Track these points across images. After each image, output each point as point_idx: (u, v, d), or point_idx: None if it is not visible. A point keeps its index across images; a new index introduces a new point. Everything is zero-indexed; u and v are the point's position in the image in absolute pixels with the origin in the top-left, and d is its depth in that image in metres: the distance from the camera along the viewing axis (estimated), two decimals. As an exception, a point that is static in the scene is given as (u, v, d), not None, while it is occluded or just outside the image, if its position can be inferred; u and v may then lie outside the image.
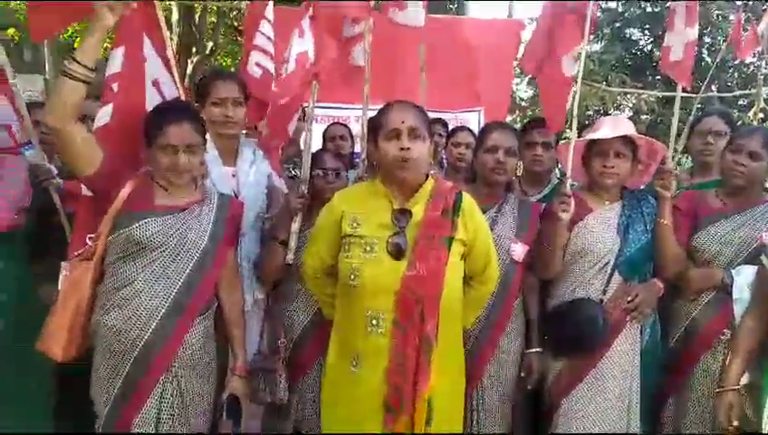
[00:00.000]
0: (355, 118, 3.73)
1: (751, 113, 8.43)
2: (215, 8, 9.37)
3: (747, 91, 9.63)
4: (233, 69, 8.78)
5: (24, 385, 2.08)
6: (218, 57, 10.77)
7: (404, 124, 1.77)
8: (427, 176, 1.89)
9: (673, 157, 2.50)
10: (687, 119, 3.01)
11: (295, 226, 2.19)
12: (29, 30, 2.02)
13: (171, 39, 2.26)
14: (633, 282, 2.20)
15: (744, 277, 2.15)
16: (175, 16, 8.86)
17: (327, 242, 1.90)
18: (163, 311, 1.84)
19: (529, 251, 2.22)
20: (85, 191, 1.92)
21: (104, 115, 1.95)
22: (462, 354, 1.95)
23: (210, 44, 9.72)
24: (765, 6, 10.54)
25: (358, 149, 3.00)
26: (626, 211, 2.22)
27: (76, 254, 1.84)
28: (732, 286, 2.16)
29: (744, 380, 2.01)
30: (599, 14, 14.10)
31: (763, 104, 8.33)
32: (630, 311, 2.16)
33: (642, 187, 2.45)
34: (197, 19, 9.41)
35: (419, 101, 2.50)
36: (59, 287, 1.86)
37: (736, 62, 12.48)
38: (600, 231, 2.19)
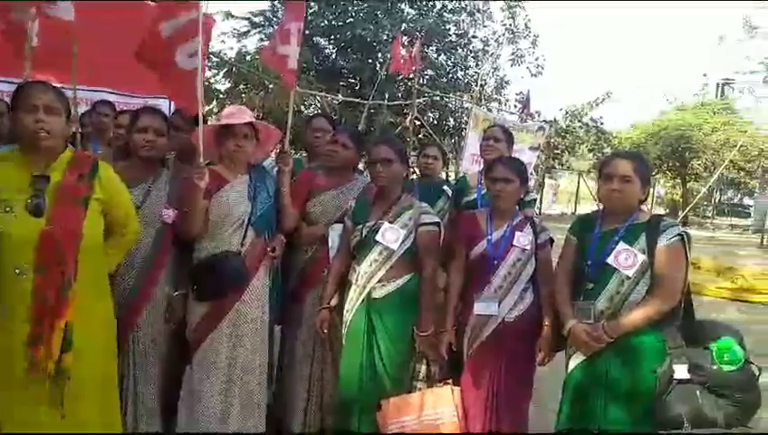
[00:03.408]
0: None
1: (407, 120, 10.46)
2: None
3: (407, 102, 11.88)
4: None
5: None
6: None
7: (40, 100, 2.09)
8: (66, 146, 2.23)
9: (292, 142, 3.33)
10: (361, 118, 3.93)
11: None
12: None
13: None
14: (263, 236, 2.87)
15: (335, 232, 3.08)
16: None
17: None
18: None
19: (178, 215, 2.77)
20: None
21: None
22: (107, 293, 2.36)
23: None
24: (418, 34, 13.02)
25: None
26: (252, 181, 2.88)
27: None
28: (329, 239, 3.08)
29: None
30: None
31: (416, 113, 10.35)
32: (270, 259, 2.87)
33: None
34: None
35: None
36: None
37: (401, 77, 15.00)
38: (235, 197, 2.80)
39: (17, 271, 2.05)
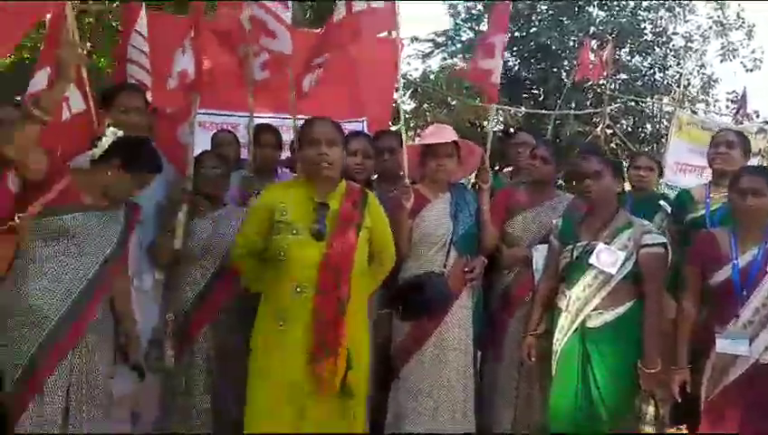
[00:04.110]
0: (241, 125, 4.15)
1: (598, 129, 9.79)
2: (91, 9, 9.29)
3: (597, 110, 11.14)
4: (109, 70, 8.76)
5: None
6: (97, 58, 10.59)
7: (323, 135, 2.26)
8: (342, 177, 2.37)
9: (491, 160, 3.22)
10: (547, 130, 3.79)
11: (181, 216, 2.60)
12: None
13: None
14: (465, 257, 2.80)
15: (539, 253, 2.89)
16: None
17: (258, 226, 2.29)
18: (80, 288, 2.16)
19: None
20: (11, 184, 2.20)
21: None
22: (366, 316, 2.43)
23: (89, 45, 9.59)
24: (611, 36, 12.17)
25: (245, 154, 3.43)
26: (454, 200, 2.83)
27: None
28: (532, 260, 2.89)
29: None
30: (471, 34, 15.46)
31: (608, 121, 9.67)
32: (469, 281, 2.79)
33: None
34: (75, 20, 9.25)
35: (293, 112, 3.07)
36: None
37: (590, 83, 14.15)
38: (437, 217, 2.79)
39: (297, 289, 2.19)
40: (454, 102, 12.88)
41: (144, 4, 3.13)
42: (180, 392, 2.62)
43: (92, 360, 2.24)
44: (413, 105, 13.50)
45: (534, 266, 2.87)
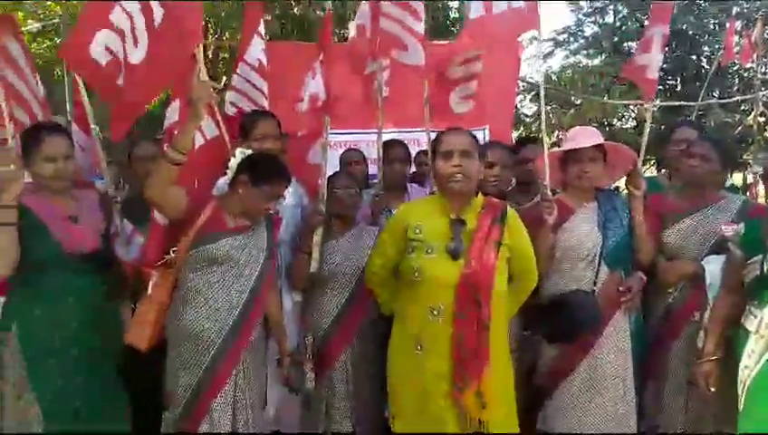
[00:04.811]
0: (370, 142, 4.15)
1: (750, 118, 8.73)
2: (227, 45, 9.98)
3: (746, 96, 9.97)
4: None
5: (102, 374, 2.35)
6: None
7: (456, 146, 2.13)
8: (478, 191, 2.24)
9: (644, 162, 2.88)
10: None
11: (317, 238, 2.58)
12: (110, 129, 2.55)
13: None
14: (618, 272, 2.51)
15: (713, 266, 2.51)
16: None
17: (393, 246, 2.23)
18: (237, 312, 2.22)
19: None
20: (159, 219, 2.34)
21: None
22: (506, 341, 2.24)
23: (224, 79, 10.30)
24: (758, 14, 10.92)
25: (373, 170, 3.40)
26: (602, 208, 2.55)
27: (159, 263, 2.24)
28: (704, 275, 2.50)
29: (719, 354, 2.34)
30: (596, 29, 14.61)
31: (762, 108, 8.67)
32: (625, 302, 2.47)
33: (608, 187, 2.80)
34: (210, 55, 10.01)
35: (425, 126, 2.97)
36: (148, 291, 2.26)
37: (736, 68, 12.76)
38: (583, 228, 2.51)
39: (434, 312, 2.09)
40: (578, 102, 12.18)
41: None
42: (321, 417, 2.60)
43: (251, 379, 2.30)
44: (534, 108, 12.98)
45: (708, 282, 2.49)
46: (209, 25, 12.51)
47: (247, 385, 2.28)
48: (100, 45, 2.42)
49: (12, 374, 2.22)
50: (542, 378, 2.56)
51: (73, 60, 2.62)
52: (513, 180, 3.03)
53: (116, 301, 2.45)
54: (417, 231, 2.16)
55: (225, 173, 2.34)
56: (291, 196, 2.79)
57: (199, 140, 2.51)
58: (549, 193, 2.50)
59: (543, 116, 2.52)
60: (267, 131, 2.66)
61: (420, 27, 2.92)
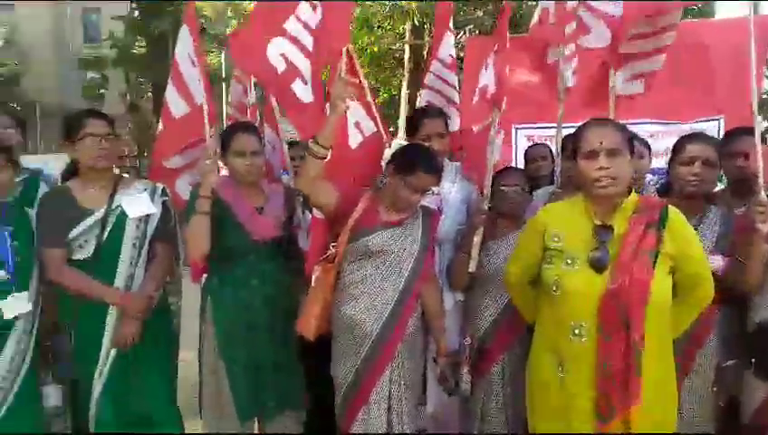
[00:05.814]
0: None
1: None
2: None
3: None
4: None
5: (287, 356, 2.55)
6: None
7: (602, 145, 1.83)
8: (630, 191, 1.92)
9: None
10: None
11: (477, 238, 2.45)
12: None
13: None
14: None
15: None
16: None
17: (531, 253, 2.03)
18: (392, 305, 2.27)
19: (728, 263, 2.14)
20: (317, 214, 2.46)
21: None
22: (672, 364, 1.92)
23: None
24: None
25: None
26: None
27: (321, 258, 2.37)
28: None
29: None
30: None
31: None
32: None
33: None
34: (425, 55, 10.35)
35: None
36: (312, 284, 2.41)
37: None
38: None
39: (576, 331, 1.84)
40: None
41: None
42: (476, 421, 2.50)
43: (405, 373, 2.33)
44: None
45: None
46: (425, 26, 13.00)
47: (401, 378, 2.30)
48: (276, 51, 2.59)
49: (207, 347, 2.53)
50: (752, 421, 2.11)
51: (248, 62, 2.80)
52: (725, 179, 2.52)
53: (296, 287, 2.63)
54: (556, 239, 1.93)
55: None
56: (458, 191, 2.73)
57: (357, 138, 2.57)
58: (764, 196, 2.02)
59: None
60: (432, 130, 2.63)
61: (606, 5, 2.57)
